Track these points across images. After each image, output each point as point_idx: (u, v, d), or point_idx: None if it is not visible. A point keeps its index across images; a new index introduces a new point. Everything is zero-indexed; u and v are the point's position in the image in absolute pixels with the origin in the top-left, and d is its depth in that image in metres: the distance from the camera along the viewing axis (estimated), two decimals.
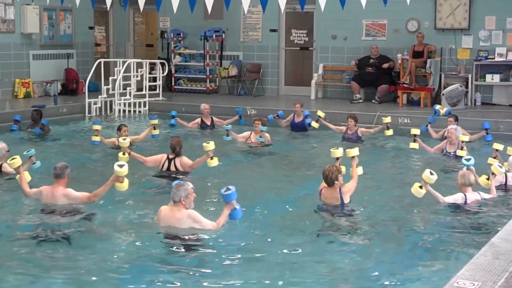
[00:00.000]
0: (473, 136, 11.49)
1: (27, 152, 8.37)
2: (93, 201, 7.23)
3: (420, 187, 7.39)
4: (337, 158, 7.95)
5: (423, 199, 7.55)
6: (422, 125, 12.13)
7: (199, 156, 9.03)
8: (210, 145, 8.68)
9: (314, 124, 12.54)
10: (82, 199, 7.23)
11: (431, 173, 7.40)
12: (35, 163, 8.39)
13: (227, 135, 11.55)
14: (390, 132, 11.96)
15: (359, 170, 7.90)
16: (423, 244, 6.60)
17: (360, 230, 7.05)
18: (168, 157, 9.05)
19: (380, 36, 16.72)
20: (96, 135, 10.66)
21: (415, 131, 10.81)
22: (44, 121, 12.23)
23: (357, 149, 7.97)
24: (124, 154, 8.93)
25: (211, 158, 8.71)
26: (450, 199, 7.66)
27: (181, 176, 8.65)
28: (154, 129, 11.19)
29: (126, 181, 7.16)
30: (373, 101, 15.94)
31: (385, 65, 16.04)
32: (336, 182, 7.44)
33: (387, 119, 12.00)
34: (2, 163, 8.66)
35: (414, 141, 10.66)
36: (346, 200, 7.50)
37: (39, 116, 12.36)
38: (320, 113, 12.68)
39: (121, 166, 7.06)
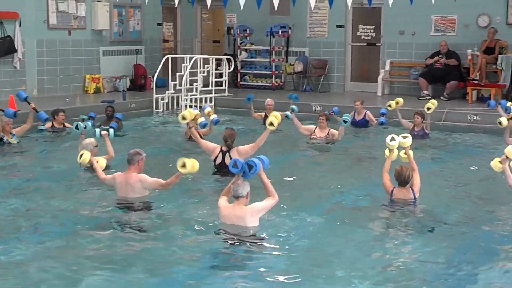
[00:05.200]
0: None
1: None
2: (167, 188, 7.38)
3: (500, 162, 7.35)
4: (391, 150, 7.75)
5: (496, 197, 7.38)
6: (492, 101, 12.03)
7: None
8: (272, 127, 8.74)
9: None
10: (156, 185, 7.40)
11: None
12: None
13: (290, 113, 11.63)
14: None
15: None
16: (493, 243, 6.46)
17: (426, 228, 6.97)
18: (221, 150, 8.92)
19: (449, 32, 16.39)
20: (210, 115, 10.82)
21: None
22: (119, 115, 12.42)
23: (410, 139, 7.72)
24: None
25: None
26: None
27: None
28: (209, 115, 10.80)
29: (192, 165, 7.04)
30: (441, 97, 15.62)
31: (443, 61, 15.73)
32: (409, 181, 7.37)
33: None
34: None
35: (509, 119, 10.03)
36: (417, 196, 7.45)
37: (113, 112, 12.58)
38: (400, 100, 12.21)
39: (183, 165, 7.00)
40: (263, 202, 6.61)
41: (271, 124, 8.54)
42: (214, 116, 10.51)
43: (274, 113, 8.83)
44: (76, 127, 9.22)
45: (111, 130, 8.82)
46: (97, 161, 7.90)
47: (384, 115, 12.21)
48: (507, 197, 7.55)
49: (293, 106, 12.18)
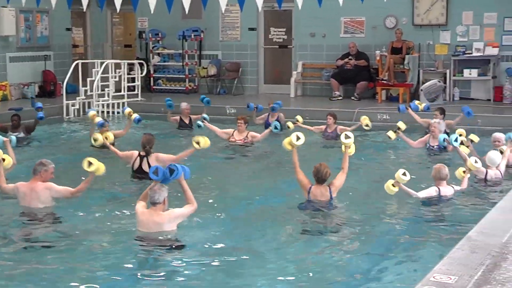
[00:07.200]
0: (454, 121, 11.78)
1: None
2: (76, 196, 7.22)
3: (393, 185, 7.49)
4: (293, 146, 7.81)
5: (401, 194, 7.58)
6: (401, 105, 12.29)
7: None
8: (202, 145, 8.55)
9: (290, 124, 12.22)
10: (65, 193, 7.22)
11: (404, 174, 7.45)
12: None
13: (202, 122, 11.79)
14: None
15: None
16: (400, 239, 6.64)
17: (339, 227, 7.11)
18: (139, 155, 8.83)
19: (358, 33, 16.74)
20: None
21: (402, 125, 10.72)
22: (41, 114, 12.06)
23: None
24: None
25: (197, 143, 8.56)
26: (424, 193, 7.73)
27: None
28: (131, 115, 10.83)
29: (98, 167, 7.09)
30: (352, 98, 15.97)
31: (353, 62, 16.09)
32: (326, 179, 7.46)
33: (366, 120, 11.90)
34: None
35: (395, 132, 10.61)
36: (334, 195, 7.54)
37: (19, 121, 12.15)
38: (299, 118, 12.41)
39: (90, 164, 7.08)
40: (182, 209, 6.55)
41: (198, 143, 8.46)
42: (135, 115, 10.71)
43: (206, 139, 8.61)
44: None
45: (13, 138, 8.49)
46: (3, 159, 7.63)
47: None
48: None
49: (205, 115, 12.23)
